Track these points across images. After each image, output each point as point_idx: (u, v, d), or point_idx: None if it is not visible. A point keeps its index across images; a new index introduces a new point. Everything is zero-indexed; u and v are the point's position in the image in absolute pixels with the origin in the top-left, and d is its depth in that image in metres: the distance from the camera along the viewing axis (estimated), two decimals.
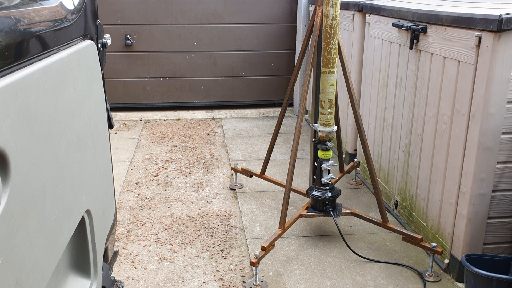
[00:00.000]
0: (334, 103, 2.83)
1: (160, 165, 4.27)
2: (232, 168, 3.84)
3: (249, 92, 6.08)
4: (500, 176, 2.47)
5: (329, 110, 2.81)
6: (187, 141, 4.92)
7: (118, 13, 5.56)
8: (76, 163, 1.32)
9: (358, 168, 3.94)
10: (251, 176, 3.74)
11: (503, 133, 2.40)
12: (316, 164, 2.97)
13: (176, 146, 4.76)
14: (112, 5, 5.52)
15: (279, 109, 6.00)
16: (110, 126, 1.82)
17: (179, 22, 5.69)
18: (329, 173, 2.94)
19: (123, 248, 2.97)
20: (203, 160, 4.39)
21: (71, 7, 1.44)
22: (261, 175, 3.63)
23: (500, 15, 2.18)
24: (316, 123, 2.97)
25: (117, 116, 5.74)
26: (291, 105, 6.08)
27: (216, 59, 5.88)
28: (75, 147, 1.32)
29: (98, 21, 1.74)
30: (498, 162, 2.45)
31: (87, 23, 1.58)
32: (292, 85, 3.26)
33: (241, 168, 3.77)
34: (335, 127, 2.88)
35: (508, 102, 2.36)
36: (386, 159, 3.49)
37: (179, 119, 5.68)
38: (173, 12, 5.65)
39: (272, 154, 4.19)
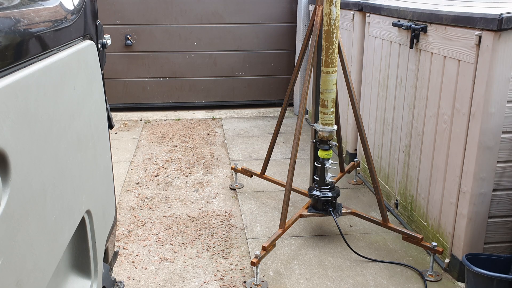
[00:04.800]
0: (335, 102, 2.83)
1: (160, 165, 4.27)
2: (232, 168, 3.84)
3: (249, 92, 6.08)
4: (501, 176, 2.47)
5: (332, 109, 2.81)
6: (187, 141, 4.92)
7: (118, 13, 5.56)
8: (76, 163, 1.32)
9: (358, 168, 3.93)
10: (251, 176, 3.74)
11: (503, 132, 2.40)
12: (317, 164, 2.97)
13: (176, 146, 4.76)
14: (112, 5, 5.52)
15: (279, 109, 6.00)
16: (110, 126, 1.82)
17: (179, 22, 5.69)
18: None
19: (124, 248, 2.97)
20: (204, 160, 4.39)
21: (71, 7, 1.44)
22: (262, 175, 3.63)
23: (500, 14, 2.18)
24: (317, 122, 2.97)
25: (117, 116, 5.74)
26: (291, 105, 6.07)
27: (216, 59, 5.88)
28: (75, 147, 1.32)
29: (98, 21, 1.74)
30: (498, 162, 2.45)
31: (87, 24, 1.58)
32: (292, 84, 3.26)
33: (241, 168, 3.77)
34: (336, 127, 2.88)
35: (508, 101, 2.36)
36: (387, 159, 3.49)
37: (179, 119, 5.68)
38: (173, 12, 5.65)
39: (272, 154, 4.18)
